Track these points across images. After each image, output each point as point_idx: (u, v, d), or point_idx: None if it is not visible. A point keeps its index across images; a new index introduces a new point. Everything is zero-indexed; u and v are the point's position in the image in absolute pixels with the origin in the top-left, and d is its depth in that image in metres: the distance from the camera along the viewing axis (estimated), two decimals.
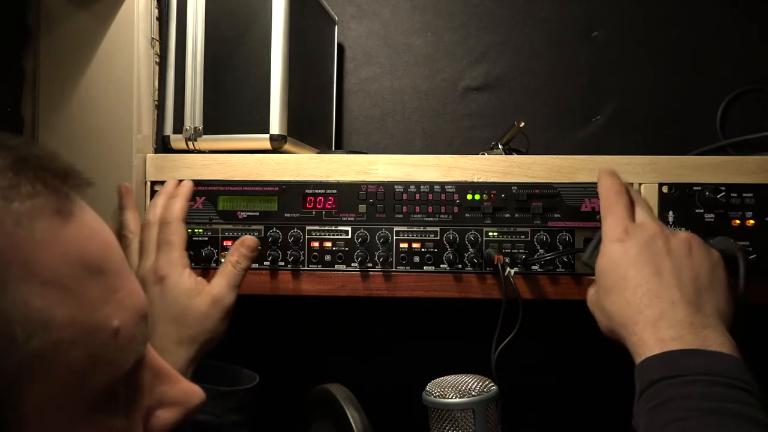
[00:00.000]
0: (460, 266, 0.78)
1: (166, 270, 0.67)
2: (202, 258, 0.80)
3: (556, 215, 0.77)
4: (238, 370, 0.73)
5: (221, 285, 0.68)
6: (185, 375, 0.55)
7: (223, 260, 0.79)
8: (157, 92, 0.85)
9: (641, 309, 0.55)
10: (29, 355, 0.29)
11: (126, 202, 0.75)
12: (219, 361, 0.72)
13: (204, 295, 0.67)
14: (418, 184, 0.79)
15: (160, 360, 0.41)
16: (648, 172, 0.77)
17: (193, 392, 0.41)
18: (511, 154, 0.88)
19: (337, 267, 0.79)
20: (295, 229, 0.80)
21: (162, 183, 0.82)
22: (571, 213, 0.77)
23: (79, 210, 0.35)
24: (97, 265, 0.34)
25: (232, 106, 0.83)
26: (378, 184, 0.79)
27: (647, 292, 0.55)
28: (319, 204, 0.80)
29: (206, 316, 0.66)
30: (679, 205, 0.76)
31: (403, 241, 0.79)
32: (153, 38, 0.84)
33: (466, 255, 0.78)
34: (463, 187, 0.79)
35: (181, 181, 0.78)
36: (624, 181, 0.66)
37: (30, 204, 0.31)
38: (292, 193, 0.80)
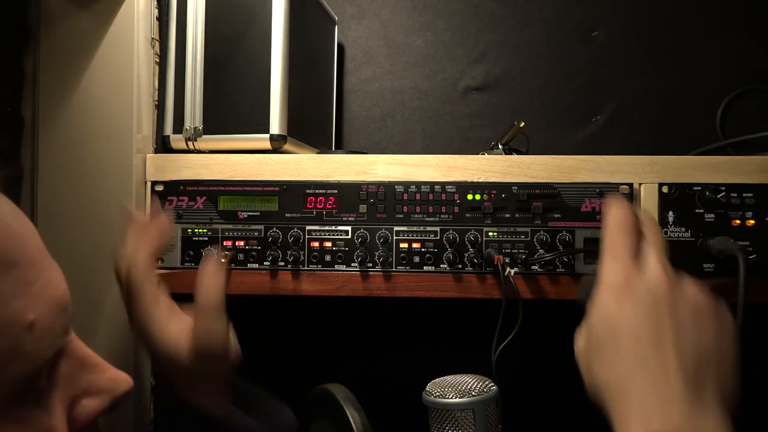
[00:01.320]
0: (460, 266, 0.78)
1: None
2: (203, 258, 0.80)
3: (556, 215, 0.77)
4: (276, 405, 0.72)
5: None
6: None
7: (223, 260, 0.79)
8: (157, 92, 0.85)
9: (630, 384, 0.46)
10: None
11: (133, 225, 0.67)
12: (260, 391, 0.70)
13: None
14: (418, 184, 0.79)
15: (85, 349, 0.40)
16: (648, 172, 0.77)
17: (121, 380, 0.41)
18: (511, 154, 0.88)
19: (337, 267, 0.79)
20: (296, 229, 0.80)
21: (162, 183, 0.82)
22: (571, 213, 0.77)
23: None
24: (8, 259, 0.33)
25: (232, 106, 0.83)
26: (378, 184, 0.79)
27: (641, 365, 0.46)
28: (320, 204, 0.80)
29: None
30: (679, 205, 0.76)
31: (403, 241, 0.79)
32: (153, 38, 0.84)
33: (466, 255, 0.78)
34: (464, 187, 0.79)
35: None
36: (628, 204, 0.54)
37: None
38: (293, 193, 0.80)
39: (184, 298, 0.85)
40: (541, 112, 1.13)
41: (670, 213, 0.76)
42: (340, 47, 1.15)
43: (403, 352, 1.10)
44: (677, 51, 1.11)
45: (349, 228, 0.80)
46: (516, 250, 0.77)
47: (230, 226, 0.81)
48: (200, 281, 0.60)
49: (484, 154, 0.84)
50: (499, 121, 1.13)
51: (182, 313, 0.64)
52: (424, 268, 0.78)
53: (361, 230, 0.79)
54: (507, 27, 1.14)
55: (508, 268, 0.75)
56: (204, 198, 0.81)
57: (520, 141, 0.94)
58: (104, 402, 0.40)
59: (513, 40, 1.14)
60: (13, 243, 0.34)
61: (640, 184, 0.77)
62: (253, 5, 0.83)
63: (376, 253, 0.78)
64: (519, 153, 0.90)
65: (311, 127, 0.96)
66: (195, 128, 0.84)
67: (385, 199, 0.79)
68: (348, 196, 0.80)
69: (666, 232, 0.76)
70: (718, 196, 0.74)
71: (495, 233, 0.78)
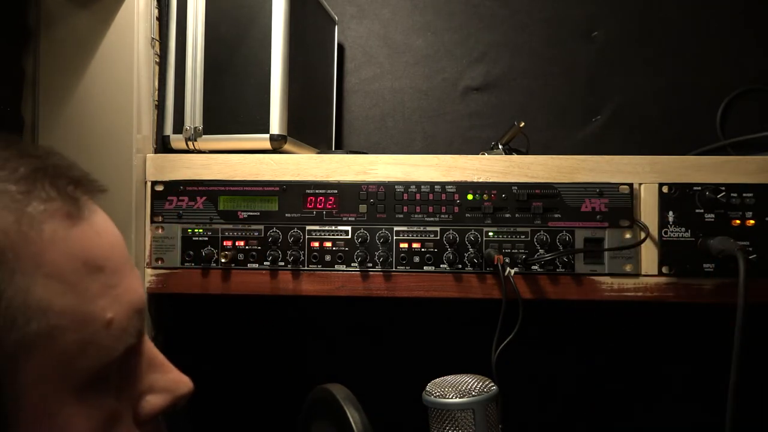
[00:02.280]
0: (460, 266, 0.78)
1: None
2: (202, 258, 0.80)
3: (556, 215, 0.77)
4: None
5: None
6: None
7: (223, 260, 0.79)
8: (157, 92, 0.85)
9: None
10: (27, 336, 0.33)
11: None
12: None
13: None
14: (418, 184, 0.79)
15: (155, 350, 0.45)
16: (648, 172, 0.77)
17: (182, 382, 0.45)
18: (511, 154, 0.88)
19: (337, 267, 0.79)
20: (296, 229, 0.80)
21: (162, 183, 0.82)
22: (571, 213, 0.77)
23: (89, 213, 0.39)
24: (97, 263, 0.38)
25: (232, 106, 0.83)
26: (378, 184, 0.79)
27: None
28: (320, 204, 0.80)
29: None
30: (679, 205, 0.76)
31: (403, 241, 0.79)
32: (153, 38, 0.84)
33: (466, 255, 0.78)
34: (463, 187, 0.79)
35: None
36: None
37: (43, 208, 0.35)
38: (293, 193, 0.80)
39: (184, 297, 0.85)
40: (541, 112, 1.13)
41: (670, 213, 0.76)
42: (340, 47, 1.15)
43: (403, 352, 1.10)
44: (677, 51, 1.11)
45: (349, 228, 0.80)
46: (516, 250, 0.77)
47: (230, 226, 0.81)
48: None
49: (484, 154, 0.84)
50: (499, 121, 1.13)
51: None
52: (424, 268, 0.78)
53: (361, 230, 0.79)
54: (507, 27, 1.14)
55: (508, 268, 0.75)
56: (204, 198, 0.81)
57: (520, 141, 0.94)
58: (166, 400, 0.43)
59: (513, 40, 1.14)
60: (104, 250, 0.39)
61: (640, 184, 0.77)
62: (253, 6, 0.83)
63: (376, 253, 0.78)
64: (519, 153, 0.90)
65: (311, 127, 0.96)
66: (195, 128, 0.84)
67: (385, 199, 0.79)
68: (348, 196, 0.80)
69: (666, 232, 0.76)
70: (718, 196, 0.74)
71: (495, 233, 0.78)
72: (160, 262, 0.81)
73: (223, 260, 0.79)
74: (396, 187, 0.79)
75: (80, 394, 0.36)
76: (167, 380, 0.44)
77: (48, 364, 0.34)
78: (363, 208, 0.80)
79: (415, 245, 0.79)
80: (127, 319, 0.39)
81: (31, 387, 0.34)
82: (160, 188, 0.82)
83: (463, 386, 0.57)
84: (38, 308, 0.34)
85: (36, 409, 0.34)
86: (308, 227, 0.80)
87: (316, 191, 0.80)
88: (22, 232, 0.34)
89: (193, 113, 0.84)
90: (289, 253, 0.79)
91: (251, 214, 0.81)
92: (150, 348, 0.44)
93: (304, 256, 0.80)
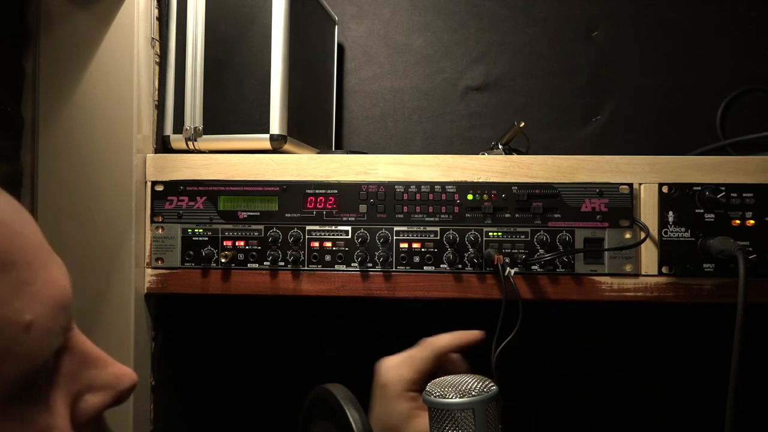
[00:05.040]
0: (460, 266, 0.78)
1: None
2: (202, 258, 0.80)
3: (556, 215, 0.77)
4: None
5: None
6: None
7: (223, 260, 0.79)
8: (157, 92, 0.85)
9: None
10: None
11: None
12: None
13: None
14: (418, 184, 0.79)
15: (88, 344, 0.40)
16: (648, 172, 0.77)
17: (124, 375, 0.40)
18: (511, 154, 0.88)
19: (337, 267, 0.79)
20: (296, 229, 0.80)
21: (162, 183, 0.82)
22: (571, 213, 0.77)
23: None
24: (5, 258, 0.32)
25: (232, 106, 0.83)
26: (378, 184, 0.79)
27: None
28: (320, 204, 0.80)
29: None
30: (679, 205, 0.76)
31: (403, 241, 0.79)
32: (153, 38, 0.84)
33: (466, 255, 0.78)
34: (463, 187, 0.79)
35: None
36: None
37: None
38: (293, 193, 0.80)
39: (184, 297, 0.85)
40: (541, 112, 1.13)
41: (670, 213, 0.76)
42: (340, 47, 1.15)
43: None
44: (677, 51, 1.11)
45: (349, 228, 0.80)
46: (516, 250, 0.77)
47: (230, 226, 0.81)
48: None
49: (484, 154, 0.84)
50: (499, 121, 1.13)
51: None
52: (424, 268, 0.78)
53: (361, 230, 0.79)
54: (507, 27, 1.14)
55: (508, 268, 0.75)
56: (204, 198, 0.81)
57: (520, 141, 0.94)
58: (107, 397, 0.39)
59: (513, 40, 1.14)
60: (11, 242, 0.33)
61: (640, 184, 0.77)
62: (253, 5, 0.83)
63: (376, 253, 0.78)
64: (519, 153, 0.90)
65: (311, 127, 0.96)
66: (195, 128, 0.84)
67: (385, 199, 0.79)
68: (348, 196, 0.80)
69: (666, 232, 0.76)
70: (718, 196, 0.74)
71: (495, 233, 0.78)
72: (160, 262, 0.81)
73: (223, 260, 0.79)
74: (396, 187, 0.79)
75: (5, 410, 0.32)
76: (107, 375, 0.39)
77: None
78: (363, 208, 0.80)
79: (415, 245, 0.79)
80: (51, 318, 0.34)
81: None
82: (160, 188, 0.82)
83: (463, 386, 0.57)
84: None
85: None
86: (308, 227, 0.80)
87: (316, 191, 0.80)
88: None
89: (193, 113, 0.84)
90: (289, 253, 0.79)
91: (251, 214, 0.81)
92: (82, 342, 0.39)
93: (304, 256, 0.80)
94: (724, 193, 0.74)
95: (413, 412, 0.65)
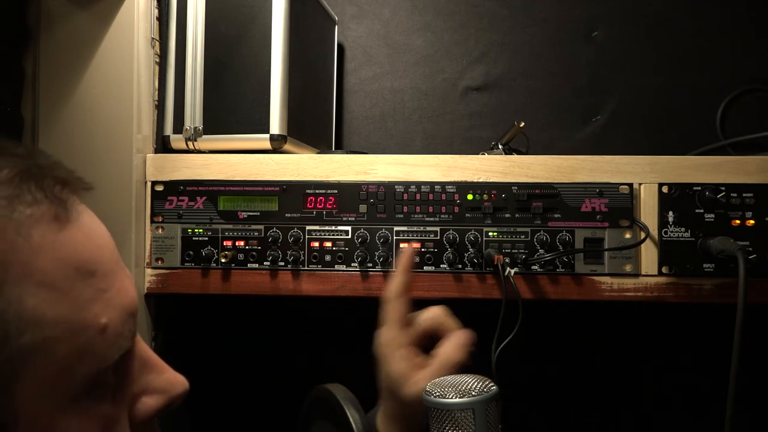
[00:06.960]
0: (460, 266, 0.78)
1: None
2: (202, 258, 0.80)
3: (556, 215, 0.77)
4: None
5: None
6: None
7: (223, 260, 0.79)
8: (157, 92, 0.85)
9: None
10: (22, 349, 0.32)
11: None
12: None
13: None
14: (418, 184, 0.79)
15: (148, 351, 0.44)
16: (648, 172, 0.77)
17: (177, 381, 0.44)
18: (511, 154, 0.88)
19: (337, 267, 0.79)
20: (296, 229, 0.80)
21: (162, 183, 0.82)
22: (571, 213, 0.77)
23: (77, 215, 0.38)
24: (88, 268, 0.36)
25: (232, 106, 0.83)
26: (378, 184, 0.79)
27: None
28: (320, 204, 0.80)
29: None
30: (679, 205, 0.76)
31: (404, 241, 0.79)
32: (153, 38, 0.84)
33: (466, 255, 0.78)
34: (463, 187, 0.79)
35: None
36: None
37: (30, 212, 0.34)
38: (293, 193, 0.80)
39: (184, 297, 0.85)
40: (541, 112, 1.13)
41: (670, 213, 0.76)
42: (340, 47, 1.15)
43: None
44: (677, 51, 1.11)
45: (349, 228, 0.80)
46: (516, 250, 0.77)
47: (230, 226, 0.81)
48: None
49: (484, 154, 0.84)
50: (499, 121, 1.13)
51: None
52: (424, 268, 0.78)
53: (361, 230, 0.79)
54: (507, 27, 1.14)
55: (508, 268, 0.75)
56: (204, 198, 0.81)
57: (520, 141, 0.94)
58: (161, 401, 0.43)
59: (513, 40, 1.14)
60: (94, 254, 0.37)
61: (640, 184, 0.77)
62: (253, 5, 0.83)
63: (376, 253, 0.78)
64: (519, 153, 0.90)
65: (311, 127, 0.96)
66: (195, 128, 0.84)
67: (385, 199, 0.79)
68: (348, 196, 0.80)
69: (666, 232, 0.76)
70: (718, 196, 0.74)
71: (495, 233, 0.78)
72: (160, 262, 0.81)
73: (223, 260, 0.79)
74: (396, 187, 0.79)
75: (77, 404, 0.35)
76: (162, 381, 0.43)
77: (44, 375, 0.33)
78: (363, 208, 0.80)
79: (415, 245, 0.79)
80: (122, 323, 0.37)
81: (27, 401, 0.33)
82: (160, 188, 0.82)
83: (463, 386, 0.57)
84: (31, 319, 0.32)
85: (33, 423, 0.33)
86: (308, 227, 0.80)
87: (316, 191, 0.80)
88: (9, 239, 0.32)
89: (193, 113, 0.84)
90: (289, 253, 0.79)
91: (251, 214, 0.81)
92: (143, 349, 0.43)
93: (304, 256, 0.80)
94: (724, 193, 0.74)
95: (407, 374, 0.64)
